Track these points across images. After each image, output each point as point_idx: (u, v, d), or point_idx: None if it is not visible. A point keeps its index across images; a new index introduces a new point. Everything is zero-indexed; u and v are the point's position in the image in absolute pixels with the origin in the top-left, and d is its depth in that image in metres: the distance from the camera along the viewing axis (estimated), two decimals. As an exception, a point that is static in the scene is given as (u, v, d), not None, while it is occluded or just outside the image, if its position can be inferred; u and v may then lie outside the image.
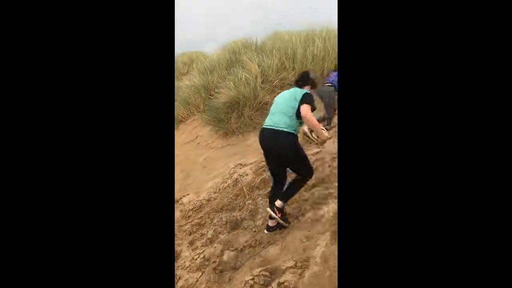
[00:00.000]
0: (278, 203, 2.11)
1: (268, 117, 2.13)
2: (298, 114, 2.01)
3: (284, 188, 2.15)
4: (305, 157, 2.11)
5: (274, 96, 5.04)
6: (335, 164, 2.86)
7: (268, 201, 2.24)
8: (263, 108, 4.87)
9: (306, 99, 2.00)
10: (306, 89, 2.14)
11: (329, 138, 2.26)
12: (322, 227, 2.02)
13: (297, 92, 2.06)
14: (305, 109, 1.95)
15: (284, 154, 2.02)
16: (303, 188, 2.31)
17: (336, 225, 1.95)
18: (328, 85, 4.06)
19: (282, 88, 5.32)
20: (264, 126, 2.10)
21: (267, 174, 2.31)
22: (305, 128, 2.01)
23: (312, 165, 2.15)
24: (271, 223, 2.20)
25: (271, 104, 2.22)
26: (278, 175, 2.14)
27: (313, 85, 2.24)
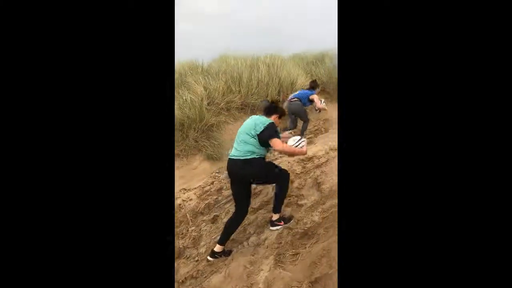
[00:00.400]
0: (274, 216, 2.24)
1: (233, 146, 2.16)
2: (261, 142, 2.06)
3: (273, 203, 2.25)
4: (276, 169, 2.19)
5: (220, 119, 5.07)
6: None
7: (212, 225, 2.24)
8: (209, 130, 4.84)
9: (269, 132, 2.03)
10: (271, 119, 2.19)
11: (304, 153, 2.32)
12: (265, 251, 2.01)
13: (258, 122, 2.09)
14: (277, 144, 2.01)
15: (257, 177, 2.12)
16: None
17: (279, 248, 1.97)
18: (295, 100, 4.42)
19: (228, 110, 5.38)
20: (230, 157, 2.12)
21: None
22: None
23: (283, 170, 2.24)
24: (217, 248, 2.13)
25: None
26: (243, 198, 2.18)
27: (281, 114, 2.32)
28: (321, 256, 1.77)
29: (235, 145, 2.16)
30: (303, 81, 6.28)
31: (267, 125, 2.07)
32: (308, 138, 4.47)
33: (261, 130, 2.05)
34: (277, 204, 2.23)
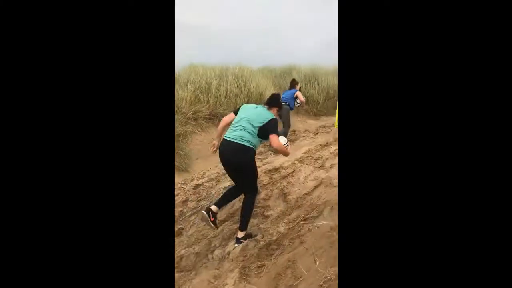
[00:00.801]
0: (240, 234, 2.18)
1: (232, 129, 2.19)
2: (259, 134, 2.14)
3: (240, 219, 2.21)
4: (256, 174, 2.24)
5: (187, 128, 4.96)
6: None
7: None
8: (176, 140, 4.72)
9: (273, 127, 2.14)
10: (272, 111, 2.28)
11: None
12: (230, 264, 1.97)
13: (263, 115, 2.18)
14: (275, 141, 2.10)
15: (241, 166, 2.13)
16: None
17: (244, 261, 1.94)
18: (283, 103, 4.51)
19: (196, 120, 5.30)
20: (226, 138, 2.15)
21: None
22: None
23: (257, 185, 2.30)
24: (214, 209, 2.17)
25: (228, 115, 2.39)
26: (237, 179, 2.25)
27: (279, 108, 2.42)
28: (286, 267, 1.77)
29: (232, 128, 2.20)
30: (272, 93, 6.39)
31: (272, 120, 2.17)
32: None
33: (264, 122, 2.14)
34: (244, 220, 2.19)
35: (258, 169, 3.45)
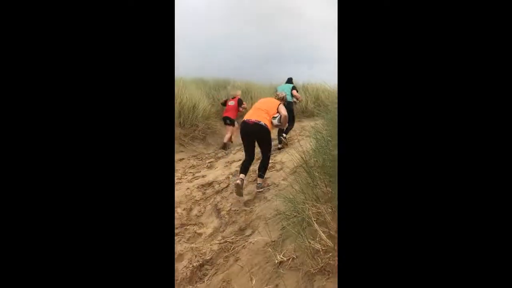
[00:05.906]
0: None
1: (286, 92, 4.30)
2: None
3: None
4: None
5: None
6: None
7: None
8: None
9: (294, 88, 4.72)
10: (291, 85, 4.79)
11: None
12: None
13: (288, 86, 4.73)
14: (296, 93, 4.77)
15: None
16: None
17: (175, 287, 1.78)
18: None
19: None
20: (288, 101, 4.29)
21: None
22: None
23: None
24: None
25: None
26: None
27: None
28: (221, 288, 1.68)
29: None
30: (205, 105, 6.28)
31: (293, 86, 4.76)
32: (208, 162, 4.41)
33: (291, 88, 4.69)
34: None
35: (190, 184, 3.30)
